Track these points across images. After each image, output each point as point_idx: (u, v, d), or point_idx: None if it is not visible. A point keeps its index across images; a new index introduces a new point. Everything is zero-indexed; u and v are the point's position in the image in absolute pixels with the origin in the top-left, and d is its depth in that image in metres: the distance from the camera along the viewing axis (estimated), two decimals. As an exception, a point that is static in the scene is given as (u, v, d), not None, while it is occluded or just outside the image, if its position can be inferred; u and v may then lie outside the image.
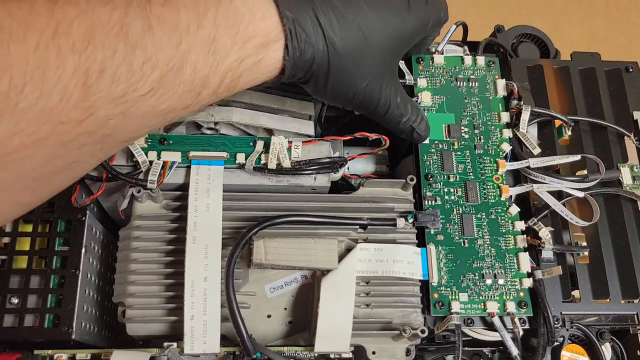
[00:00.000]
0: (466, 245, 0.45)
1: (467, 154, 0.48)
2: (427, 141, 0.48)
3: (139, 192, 0.42)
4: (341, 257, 0.42)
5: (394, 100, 0.42)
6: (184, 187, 0.43)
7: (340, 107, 0.43)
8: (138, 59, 0.30)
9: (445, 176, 0.47)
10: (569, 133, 0.50)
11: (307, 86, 0.39)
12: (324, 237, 0.43)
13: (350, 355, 0.41)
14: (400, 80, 0.49)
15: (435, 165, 0.47)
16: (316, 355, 0.41)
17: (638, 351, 0.47)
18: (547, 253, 0.45)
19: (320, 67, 0.37)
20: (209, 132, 0.46)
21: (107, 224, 0.49)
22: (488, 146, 0.49)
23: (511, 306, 0.43)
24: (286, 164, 0.44)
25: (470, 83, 0.51)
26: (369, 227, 0.44)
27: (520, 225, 0.46)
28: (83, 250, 0.43)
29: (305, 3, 0.35)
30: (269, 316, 0.44)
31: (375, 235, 0.44)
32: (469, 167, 0.48)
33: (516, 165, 0.48)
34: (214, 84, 0.34)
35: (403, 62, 0.51)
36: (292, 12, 0.35)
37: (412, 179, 0.45)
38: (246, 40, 0.34)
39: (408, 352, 0.43)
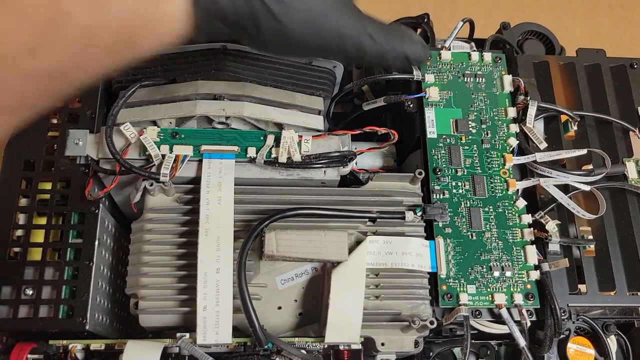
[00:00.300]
0: (474, 238, 0.46)
1: (475, 148, 0.49)
2: (435, 135, 0.48)
3: (151, 185, 0.43)
4: (351, 250, 0.43)
5: (363, 35, 0.35)
6: (196, 181, 0.44)
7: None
8: (6, 14, 0.25)
9: (453, 170, 0.48)
10: (575, 128, 0.51)
11: (243, 42, 0.34)
12: (334, 230, 0.43)
13: (360, 346, 0.42)
14: (408, 76, 0.50)
15: (443, 160, 0.48)
16: (326, 346, 0.42)
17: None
18: (554, 246, 0.46)
19: (244, 19, 0.31)
20: (220, 126, 0.46)
21: (118, 218, 0.50)
22: (495, 141, 0.49)
23: (518, 298, 0.44)
24: (296, 157, 0.44)
25: (477, 79, 0.51)
26: (378, 220, 0.45)
27: (527, 218, 0.46)
28: (96, 243, 0.43)
29: None
30: (279, 308, 0.44)
31: (384, 228, 0.45)
32: (476, 161, 0.48)
33: (523, 159, 0.48)
34: (106, 40, 0.28)
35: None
36: None
37: (420, 173, 0.46)
38: None
39: (416, 344, 0.43)
